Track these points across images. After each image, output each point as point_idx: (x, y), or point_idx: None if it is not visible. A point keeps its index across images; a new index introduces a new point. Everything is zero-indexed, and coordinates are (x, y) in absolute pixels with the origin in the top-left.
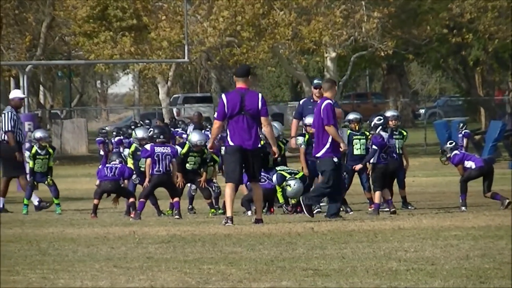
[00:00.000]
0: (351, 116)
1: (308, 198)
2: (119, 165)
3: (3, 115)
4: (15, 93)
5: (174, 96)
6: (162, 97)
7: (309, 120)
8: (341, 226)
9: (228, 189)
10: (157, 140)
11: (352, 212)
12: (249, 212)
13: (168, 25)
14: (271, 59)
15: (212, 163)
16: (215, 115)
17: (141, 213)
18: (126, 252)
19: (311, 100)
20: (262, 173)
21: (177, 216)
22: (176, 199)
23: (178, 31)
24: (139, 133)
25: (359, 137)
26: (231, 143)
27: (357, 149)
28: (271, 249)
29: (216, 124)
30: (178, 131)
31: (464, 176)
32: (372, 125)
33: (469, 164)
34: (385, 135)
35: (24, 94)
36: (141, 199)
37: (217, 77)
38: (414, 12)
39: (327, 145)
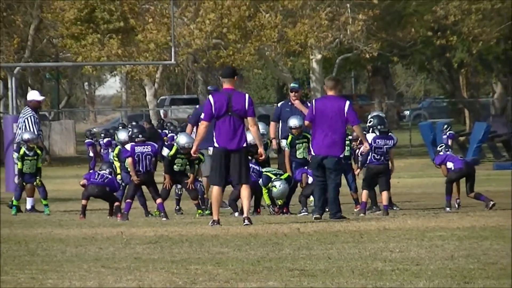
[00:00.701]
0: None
1: (333, 211)
2: (109, 176)
3: (25, 119)
4: (33, 95)
5: (161, 97)
6: (149, 99)
7: (293, 122)
8: (327, 226)
9: (214, 191)
10: (136, 140)
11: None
12: (236, 213)
13: (155, 28)
14: (257, 61)
15: (197, 162)
16: (202, 116)
17: (128, 214)
18: (114, 253)
19: (289, 103)
20: (252, 165)
21: (164, 218)
22: (158, 200)
23: (164, 33)
24: (122, 135)
25: (301, 140)
26: (216, 145)
27: (299, 154)
28: (258, 249)
29: (203, 124)
30: (166, 132)
31: (447, 177)
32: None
33: (450, 165)
34: (370, 136)
35: (41, 96)
36: (127, 200)
37: (204, 79)
38: (398, 15)
39: (344, 145)
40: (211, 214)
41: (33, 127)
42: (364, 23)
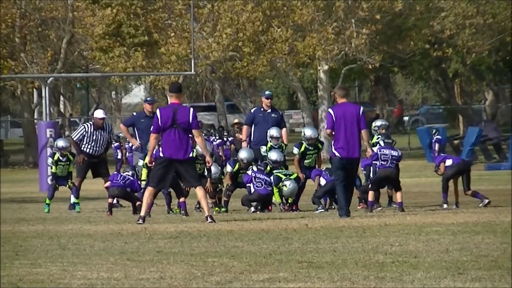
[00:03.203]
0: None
1: (345, 208)
2: (130, 178)
3: (79, 129)
4: (96, 113)
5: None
6: None
7: (309, 133)
8: (333, 222)
9: (147, 192)
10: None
11: None
12: (252, 208)
13: (176, 41)
14: (270, 72)
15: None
16: (151, 129)
17: (150, 211)
18: (138, 247)
19: (261, 109)
20: (260, 177)
21: (184, 215)
22: (182, 199)
23: (185, 46)
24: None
25: (312, 152)
26: (161, 154)
27: (307, 162)
28: (269, 243)
29: (152, 136)
30: None
31: (444, 174)
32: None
33: (449, 162)
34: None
35: (102, 114)
36: (182, 199)
37: (221, 88)
38: (399, 29)
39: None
40: (226, 211)
41: (77, 136)
42: (367, 37)
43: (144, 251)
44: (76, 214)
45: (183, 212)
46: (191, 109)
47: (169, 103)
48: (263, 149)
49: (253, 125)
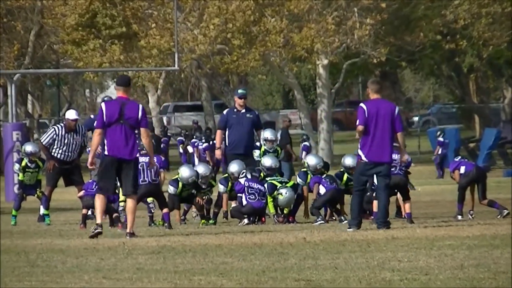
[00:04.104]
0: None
1: (383, 220)
2: None
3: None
4: (68, 114)
5: (164, 104)
6: (152, 105)
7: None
8: (334, 235)
9: (98, 200)
10: (141, 152)
11: (346, 221)
12: (246, 220)
13: (158, 33)
14: (262, 67)
15: (208, 189)
16: (95, 124)
17: (170, 222)
18: (115, 263)
19: (235, 110)
20: (253, 187)
21: (167, 228)
22: (165, 210)
23: (168, 38)
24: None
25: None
26: (106, 153)
27: None
28: (263, 259)
29: (96, 132)
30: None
31: (459, 183)
32: None
33: (462, 169)
34: None
35: (75, 115)
36: (165, 211)
37: (208, 85)
38: (407, 19)
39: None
40: (215, 223)
41: (46, 139)
42: (371, 28)
43: (122, 268)
44: (46, 227)
45: (166, 224)
46: (141, 106)
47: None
48: (256, 153)
49: (226, 128)
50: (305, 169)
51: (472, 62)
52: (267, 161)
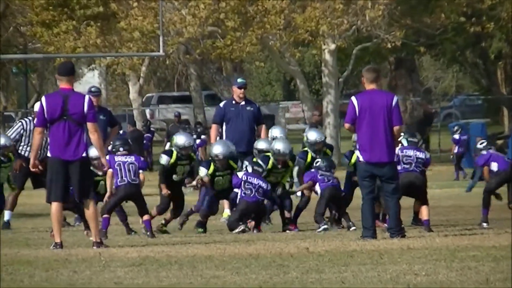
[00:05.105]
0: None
1: (395, 229)
2: None
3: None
4: (37, 106)
5: (147, 95)
6: (133, 96)
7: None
8: (341, 245)
9: (53, 209)
10: (118, 154)
11: (354, 228)
12: (242, 226)
13: (140, 13)
14: (260, 52)
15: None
16: (35, 122)
17: (106, 231)
18: (90, 277)
19: (233, 102)
20: (252, 181)
21: (149, 237)
22: (146, 217)
23: (151, 20)
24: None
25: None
26: (49, 154)
27: None
28: (259, 272)
29: (36, 131)
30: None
31: (487, 184)
32: None
33: (494, 166)
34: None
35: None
36: (105, 215)
37: (198, 73)
38: None
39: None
40: (204, 231)
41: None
42: (385, 8)
43: (98, 283)
44: (12, 235)
45: (148, 233)
46: (87, 97)
47: (59, 88)
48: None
49: (224, 123)
50: (305, 149)
51: (500, 47)
52: (279, 146)
